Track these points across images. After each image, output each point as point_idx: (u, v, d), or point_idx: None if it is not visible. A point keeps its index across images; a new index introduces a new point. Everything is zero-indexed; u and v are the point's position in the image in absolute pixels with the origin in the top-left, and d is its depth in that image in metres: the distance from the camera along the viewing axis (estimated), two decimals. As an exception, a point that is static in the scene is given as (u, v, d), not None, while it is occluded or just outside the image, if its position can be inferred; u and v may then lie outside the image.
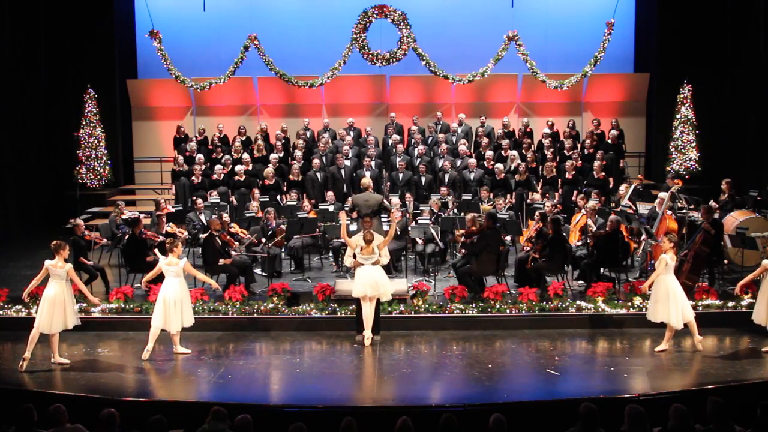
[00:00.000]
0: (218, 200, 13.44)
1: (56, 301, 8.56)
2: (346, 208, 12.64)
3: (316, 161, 14.28)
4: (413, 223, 12.08)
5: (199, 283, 11.06)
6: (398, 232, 11.70)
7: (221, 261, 10.71)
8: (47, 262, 8.67)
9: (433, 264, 11.88)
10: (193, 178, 14.39)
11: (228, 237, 11.17)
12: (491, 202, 12.74)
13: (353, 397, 8.10)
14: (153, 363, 8.89)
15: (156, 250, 11.13)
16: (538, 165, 14.52)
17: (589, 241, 11.10)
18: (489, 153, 14.58)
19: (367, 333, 9.22)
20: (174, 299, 8.86)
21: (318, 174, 14.12)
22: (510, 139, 15.39)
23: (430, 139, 15.74)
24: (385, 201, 12.42)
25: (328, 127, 16.02)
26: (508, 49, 14.56)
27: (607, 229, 10.75)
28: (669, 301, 8.78)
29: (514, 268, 11.24)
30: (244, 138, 15.81)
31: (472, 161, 14.20)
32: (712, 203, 12.70)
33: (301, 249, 12.12)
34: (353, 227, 11.32)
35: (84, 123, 16.02)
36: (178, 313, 8.89)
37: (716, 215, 11.15)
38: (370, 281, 9.23)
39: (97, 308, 10.05)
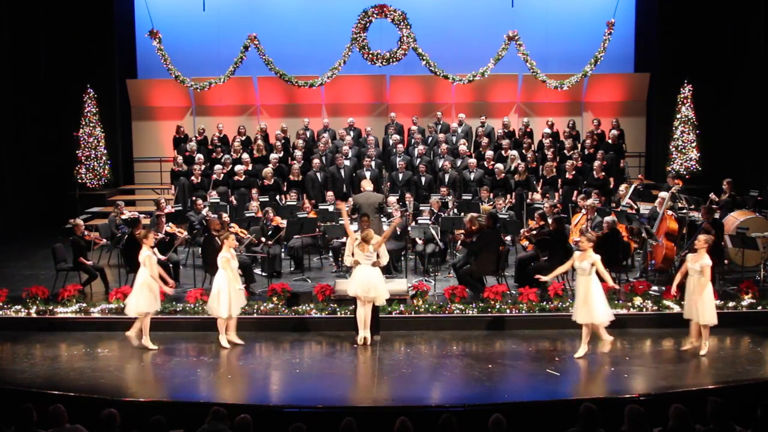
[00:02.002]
0: (218, 200, 13.42)
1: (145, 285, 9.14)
2: (346, 208, 12.63)
3: (315, 161, 14.27)
4: (413, 223, 12.06)
5: (198, 283, 11.11)
6: (398, 232, 11.70)
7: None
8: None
9: (433, 264, 11.88)
10: (193, 178, 14.38)
11: (232, 242, 11.16)
12: (491, 202, 12.73)
13: (353, 397, 8.09)
14: (152, 363, 8.89)
15: (155, 249, 11.14)
16: (538, 165, 14.51)
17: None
18: (489, 153, 14.57)
19: (363, 333, 9.17)
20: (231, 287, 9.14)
21: (318, 174, 14.11)
22: (510, 139, 15.38)
23: (430, 139, 15.73)
24: (387, 199, 12.43)
25: (328, 127, 16.01)
26: (508, 49, 14.56)
27: (603, 230, 10.73)
28: (587, 302, 8.64)
29: (514, 268, 11.23)
30: (243, 138, 15.80)
31: (472, 161, 14.19)
32: (712, 196, 12.72)
33: (301, 249, 12.11)
34: (353, 227, 11.29)
35: (84, 123, 16.01)
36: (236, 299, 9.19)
37: (717, 215, 11.14)
38: (364, 283, 9.17)
39: (97, 308, 10.07)
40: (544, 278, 9.44)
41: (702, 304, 8.66)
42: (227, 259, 9.18)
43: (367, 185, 11.19)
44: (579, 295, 8.75)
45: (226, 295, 9.08)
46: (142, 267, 9.20)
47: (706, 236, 8.92)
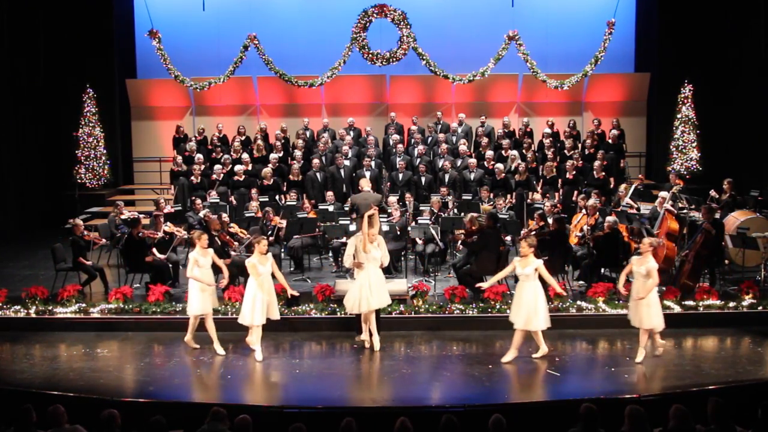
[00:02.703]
0: (217, 200, 13.40)
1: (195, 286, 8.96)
2: (346, 208, 12.63)
3: (315, 161, 14.25)
4: (413, 223, 12.05)
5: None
6: (398, 232, 11.69)
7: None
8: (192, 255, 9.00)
9: (433, 264, 11.86)
10: (192, 178, 14.36)
11: (227, 237, 11.15)
12: (491, 202, 12.71)
13: (353, 397, 8.07)
14: (152, 364, 8.88)
15: (154, 249, 11.14)
16: (538, 165, 14.49)
17: (588, 241, 11.07)
18: (489, 153, 14.56)
19: (366, 336, 9.13)
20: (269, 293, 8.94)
21: (318, 174, 14.09)
22: (510, 139, 15.37)
23: (430, 139, 15.72)
24: (387, 199, 12.40)
25: (328, 127, 15.99)
26: (508, 49, 14.56)
27: (604, 230, 10.72)
28: (527, 308, 8.49)
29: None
30: (243, 138, 15.78)
31: (473, 161, 14.18)
32: (712, 192, 12.72)
33: (301, 249, 12.09)
34: (352, 227, 11.30)
35: (83, 123, 15.99)
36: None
37: (717, 215, 11.13)
38: (361, 294, 8.88)
39: (97, 308, 10.06)
40: (484, 285, 9.36)
41: (647, 309, 8.46)
42: (254, 265, 8.78)
43: (365, 185, 11.14)
44: (518, 299, 8.56)
45: (260, 303, 8.77)
46: (194, 269, 8.91)
47: (652, 239, 8.77)
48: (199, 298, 8.94)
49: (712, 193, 12.85)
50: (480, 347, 9.30)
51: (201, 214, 12.43)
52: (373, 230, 9.15)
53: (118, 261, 12.04)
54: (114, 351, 9.30)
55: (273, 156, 14.71)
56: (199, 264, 8.93)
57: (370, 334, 9.08)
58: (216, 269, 9.33)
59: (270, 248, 11.51)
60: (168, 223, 11.86)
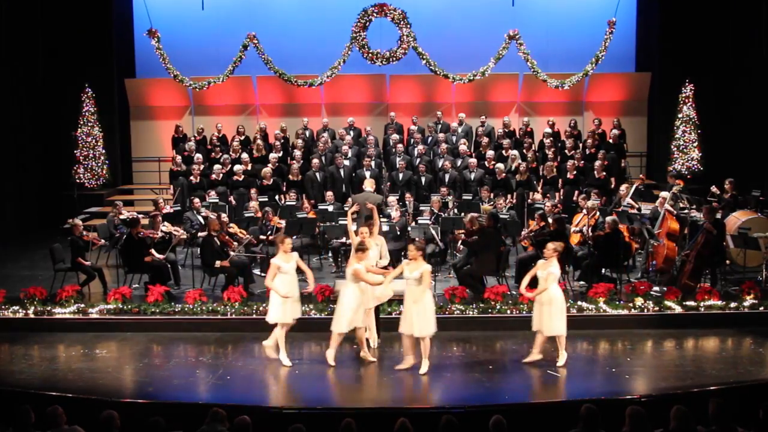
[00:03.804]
0: (217, 200, 13.37)
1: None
2: (346, 208, 12.59)
3: (315, 161, 14.22)
4: (413, 224, 12.02)
5: (197, 283, 11.06)
6: (398, 232, 11.66)
7: (218, 263, 10.65)
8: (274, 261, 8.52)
9: (434, 264, 11.81)
10: (192, 178, 14.33)
11: (227, 237, 11.12)
12: (492, 202, 12.68)
13: (353, 398, 8.05)
14: (151, 364, 8.84)
15: (153, 250, 11.11)
16: (538, 165, 14.46)
17: (588, 240, 11.06)
18: (489, 153, 14.53)
19: (373, 337, 9.07)
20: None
21: (317, 174, 14.05)
22: (510, 139, 15.33)
23: (430, 138, 15.69)
24: (387, 199, 12.37)
25: (328, 127, 15.96)
26: (508, 48, 14.53)
27: (605, 230, 10.70)
28: (413, 313, 8.22)
29: (515, 268, 11.19)
30: (242, 138, 15.75)
31: (473, 161, 14.15)
32: (713, 189, 12.69)
33: (301, 249, 12.04)
34: (353, 227, 11.25)
35: (82, 122, 15.94)
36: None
37: (718, 215, 11.11)
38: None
39: (95, 308, 10.03)
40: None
41: (549, 314, 8.34)
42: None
43: (368, 185, 11.12)
44: (406, 305, 8.29)
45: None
46: (275, 276, 8.52)
47: (556, 244, 8.54)
48: (280, 306, 8.51)
49: (714, 189, 12.82)
50: (480, 348, 9.27)
51: (202, 215, 12.42)
52: (364, 230, 9.04)
53: (117, 261, 12.01)
54: (113, 351, 9.27)
55: (272, 156, 14.67)
56: (282, 270, 8.50)
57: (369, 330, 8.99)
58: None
59: (270, 248, 11.54)
60: (165, 223, 11.83)
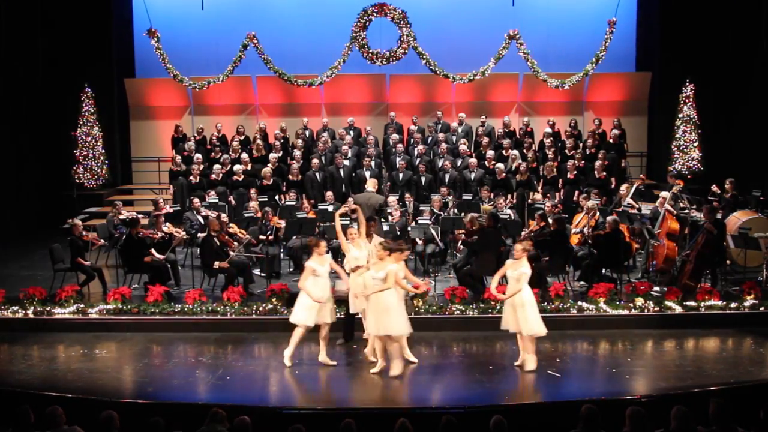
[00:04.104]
0: (216, 200, 13.35)
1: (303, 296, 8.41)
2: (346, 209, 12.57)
3: (315, 161, 14.20)
4: (413, 224, 12.01)
5: (197, 284, 11.05)
6: (398, 233, 11.64)
7: (217, 264, 10.63)
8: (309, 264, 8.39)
9: (434, 264, 11.81)
10: (191, 178, 14.31)
11: (227, 237, 11.11)
12: (492, 202, 12.66)
13: (353, 398, 8.04)
14: (151, 365, 8.83)
15: (153, 250, 11.10)
16: (538, 165, 14.45)
17: (588, 240, 11.05)
18: (490, 153, 14.52)
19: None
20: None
21: (317, 174, 14.04)
22: (511, 139, 15.32)
23: (430, 138, 15.68)
24: (387, 200, 12.35)
25: (328, 127, 15.95)
26: (508, 48, 14.52)
27: (605, 229, 10.69)
28: (381, 313, 8.05)
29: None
30: (242, 137, 15.73)
31: (473, 161, 14.13)
32: (714, 188, 12.68)
33: (301, 249, 12.02)
34: (353, 227, 11.23)
35: (81, 122, 15.93)
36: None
37: (719, 215, 11.10)
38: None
39: (95, 309, 10.01)
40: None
41: (524, 315, 8.16)
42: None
43: (370, 185, 11.07)
44: (369, 306, 8.16)
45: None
46: (308, 278, 8.38)
47: (524, 243, 8.44)
48: (306, 309, 8.39)
49: (714, 188, 12.81)
50: (480, 348, 9.26)
51: (201, 215, 12.41)
52: (353, 230, 8.93)
53: (116, 261, 11.98)
54: (112, 352, 9.26)
55: (272, 156, 14.66)
56: (317, 273, 8.38)
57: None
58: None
59: (269, 248, 11.53)
60: (167, 224, 11.82)
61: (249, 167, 14.43)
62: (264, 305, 10.02)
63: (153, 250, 11.08)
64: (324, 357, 8.57)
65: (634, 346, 9.26)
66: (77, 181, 15.93)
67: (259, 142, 15.28)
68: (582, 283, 10.89)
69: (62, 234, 12.13)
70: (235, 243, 11.19)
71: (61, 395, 7.37)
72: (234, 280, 10.61)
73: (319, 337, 8.59)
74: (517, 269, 8.25)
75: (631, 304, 9.92)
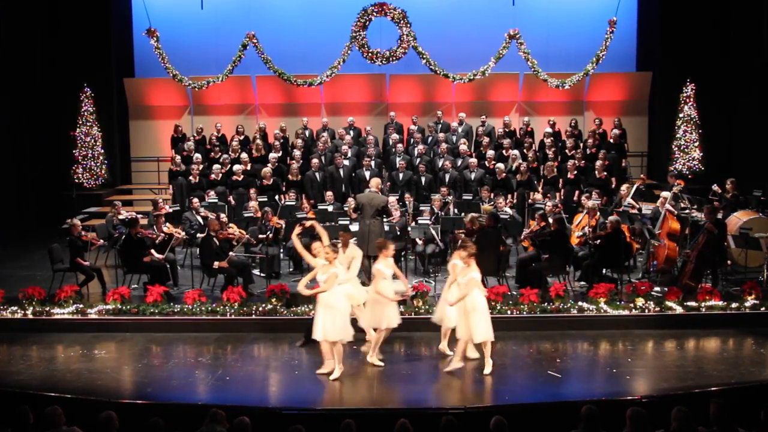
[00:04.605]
0: (216, 200, 13.33)
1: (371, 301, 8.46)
2: (346, 208, 12.56)
3: (315, 161, 14.18)
4: (413, 223, 11.99)
5: (196, 284, 11.02)
6: (398, 232, 11.63)
7: (216, 264, 10.61)
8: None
9: (434, 264, 11.79)
10: (191, 178, 14.29)
11: (229, 232, 11.12)
12: (492, 202, 12.64)
13: (353, 398, 8.00)
14: (150, 365, 8.81)
15: (153, 250, 11.08)
16: (539, 165, 14.43)
17: (589, 241, 11.03)
18: (490, 152, 14.50)
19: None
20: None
21: (317, 174, 14.02)
22: (511, 139, 15.30)
23: (430, 138, 15.66)
24: (388, 198, 12.32)
25: (327, 127, 15.93)
26: (509, 48, 14.49)
27: (607, 229, 10.67)
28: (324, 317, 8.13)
29: (515, 269, 11.16)
30: (242, 137, 15.71)
31: (473, 161, 14.11)
32: (715, 187, 12.65)
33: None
34: (355, 227, 11.24)
35: (80, 122, 15.90)
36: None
37: (720, 215, 11.07)
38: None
39: (94, 309, 9.99)
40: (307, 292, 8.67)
41: (474, 320, 8.10)
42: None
43: (373, 185, 11.02)
44: (317, 309, 8.26)
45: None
46: (380, 281, 8.42)
47: (468, 249, 8.24)
48: (372, 312, 8.48)
49: (715, 188, 12.79)
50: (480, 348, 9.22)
51: (201, 215, 12.38)
52: (317, 244, 8.62)
53: (115, 261, 11.97)
54: (112, 352, 9.24)
55: (272, 156, 14.63)
56: (385, 275, 8.41)
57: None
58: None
59: (269, 248, 11.51)
60: (167, 224, 11.80)
61: (249, 167, 14.41)
62: (263, 305, 10.00)
63: (153, 251, 11.06)
64: (373, 358, 8.58)
65: (634, 346, 9.24)
66: (76, 181, 15.90)
67: (258, 142, 15.26)
68: (582, 283, 10.87)
69: (61, 234, 12.10)
70: (237, 233, 11.17)
71: (60, 396, 7.35)
72: (233, 280, 10.59)
73: (374, 338, 8.58)
74: (466, 274, 8.16)
75: (632, 305, 9.90)
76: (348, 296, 8.50)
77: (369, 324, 8.71)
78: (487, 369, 8.27)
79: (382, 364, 8.56)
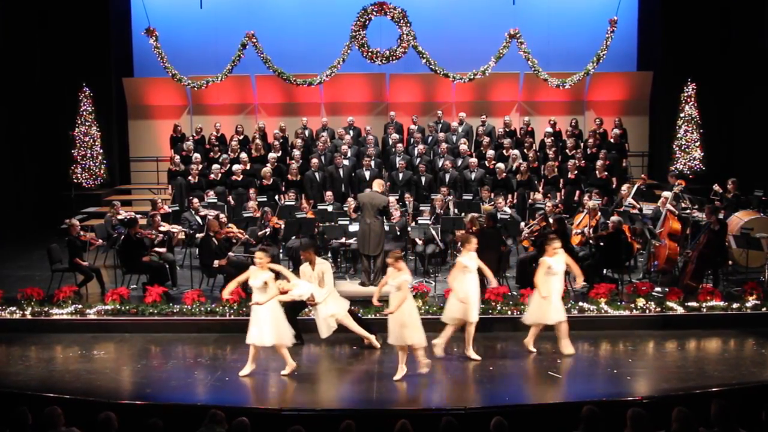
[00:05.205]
0: (215, 200, 13.30)
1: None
2: (345, 208, 12.53)
3: (314, 161, 14.15)
4: (413, 224, 11.96)
5: (195, 284, 10.99)
6: (398, 233, 11.60)
7: (216, 263, 10.58)
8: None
9: (434, 265, 11.76)
10: (190, 177, 14.26)
11: (230, 231, 11.09)
12: (492, 202, 12.61)
13: (352, 399, 7.98)
14: (150, 366, 8.78)
15: (158, 249, 11.06)
16: (539, 165, 14.40)
17: (590, 241, 11.00)
18: (490, 152, 14.47)
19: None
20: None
21: (317, 174, 13.98)
22: (511, 139, 15.27)
23: (430, 138, 15.63)
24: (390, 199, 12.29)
25: (327, 126, 15.90)
26: (509, 47, 14.44)
27: (608, 229, 10.64)
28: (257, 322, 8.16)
29: (516, 269, 11.13)
30: (241, 137, 15.68)
31: (473, 161, 14.08)
32: (716, 187, 12.63)
33: (300, 249, 11.97)
34: (354, 227, 11.21)
35: (79, 122, 15.88)
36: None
37: (721, 215, 11.05)
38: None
39: (93, 309, 9.97)
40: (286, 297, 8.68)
41: (403, 323, 8.00)
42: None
43: (376, 186, 10.99)
44: (252, 314, 8.26)
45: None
46: (464, 276, 8.46)
47: (394, 253, 8.28)
48: (458, 305, 8.48)
49: (716, 187, 12.76)
50: (481, 349, 9.17)
51: (200, 214, 12.35)
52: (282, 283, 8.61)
53: (114, 262, 11.93)
54: (111, 353, 9.21)
55: (271, 155, 14.60)
56: (470, 269, 8.47)
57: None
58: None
59: (268, 248, 11.45)
60: (163, 223, 11.77)
61: (248, 167, 14.37)
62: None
63: (158, 249, 11.06)
64: (471, 351, 8.66)
65: (635, 346, 9.22)
66: (75, 181, 15.88)
67: (258, 141, 15.23)
68: (583, 283, 10.83)
69: (60, 234, 12.09)
70: (236, 232, 11.17)
71: (59, 396, 7.32)
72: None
73: (465, 334, 8.63)
74: (397, 278, 8.09)
75: (633, 305, 9.88)
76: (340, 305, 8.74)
77: (453, 316, 8.59)
78: (398, 375, 8.13)
79: (479, 357, 8.60)
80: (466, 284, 8.49)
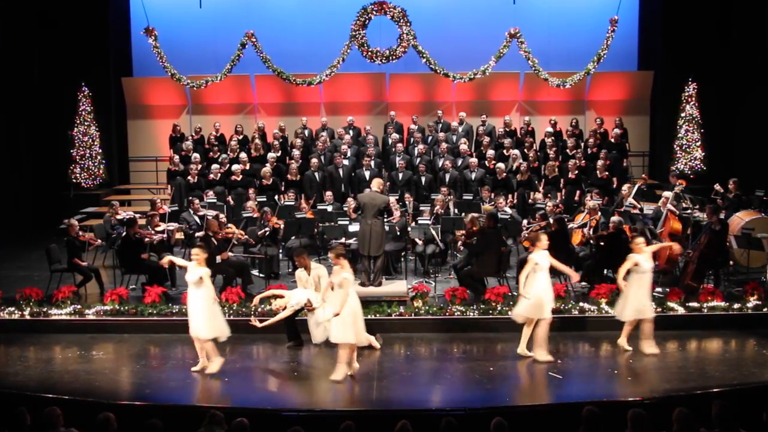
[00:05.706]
0: (215, 200, 13.27)
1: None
2: (345, 208, 12.51)
3: (314, 161, 14.13)
4: (413, 224, 11.93)
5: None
6: (398, 233, 11.57)
7: (218, 257, 10.55)
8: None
9: (434, 265, 11.74)
10: (189, 177, 14.23)
11: (229, 231, 11.07)
12: (492, 202, 12.59)
13: (353, 400, 7.96)
14: (149, 366, 8.76)
15: (163, 256, 11.01)
16: (540, 164, 14.38)
17: (591, 241, 10.98)
18: (490, 152, 14.44)
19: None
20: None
21: (316, 174, 13.96)
22: (511, 138, 15.24)
23: (430, 138, 15.60)
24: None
25: (327, 126, 15.88)
26: (509, 47, 14.43)
27: (609, 230, 10.62)
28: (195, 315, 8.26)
29: (516, 269, 11.10)
30: (241, 137, 15.65)
31: (473, 161, 14.06)
32: (717, 187, 12.61)
33: (299, 250, 11.94)
34: (354, 227, 11.19)
35: (78, 122, 15.86)
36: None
37: (722, 215, 11.03)
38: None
39: (92, 310, 9.94)
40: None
41: (347, 322, 7.96)
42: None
43: (375, 185, 10.98)
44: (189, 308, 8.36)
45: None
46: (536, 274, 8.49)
47: (336, 249, 8.26)
48: (530, 304, 8.45)
49: (717, 187, 12.74)
50: (481, 349, 9.19)
51: (199, 214, 12.32)
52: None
53: (113, 262, 11.91)
54: (110, 353, 9.19)
55: (271, 155, 14.58)
56: (541, 266, 8.44)
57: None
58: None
59: (268, 249, 11.45)
60: (161, 223, 11.74)
61: (248, 167, 14.35)
62: (263, 306, 9.92)
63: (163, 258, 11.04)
64: (540, 352, 8.58)
65: (635, 347, 9.17)
66: (74, 180, 15.85)
67: (257, 141, 15.21)
68: (584, 283, 10.81)
69: (59, 234, 12.07)
70: (236, 232, 11.14)
71: (57, 397, 7.31)
72: (232, 280, 10.53)
73: (537, 333, 8.54)
74: (339, 276, 8.02)
75: (633, 305, 9.83)
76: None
77: (526, 314, 8.55)
78: (336, 375, 8.06)
79: (550, 358, 8.54)
80: (537, 282, 8.45)
